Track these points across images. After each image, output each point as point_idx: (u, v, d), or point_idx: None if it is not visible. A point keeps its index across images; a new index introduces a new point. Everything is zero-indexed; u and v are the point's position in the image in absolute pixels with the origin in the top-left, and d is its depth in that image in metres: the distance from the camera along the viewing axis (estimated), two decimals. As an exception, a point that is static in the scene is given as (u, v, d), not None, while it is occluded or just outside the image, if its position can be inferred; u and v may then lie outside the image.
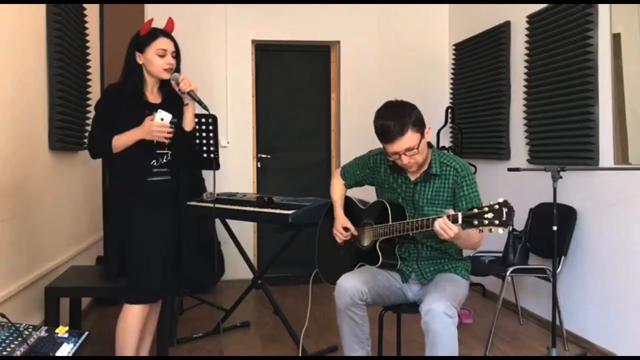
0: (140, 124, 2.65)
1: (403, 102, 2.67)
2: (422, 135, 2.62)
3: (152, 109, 2.69)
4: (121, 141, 2.64)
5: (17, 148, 3.07)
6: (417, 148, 2.59)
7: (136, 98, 2.70)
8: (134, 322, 2.72)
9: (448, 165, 2.71)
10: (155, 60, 2.69)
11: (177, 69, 2.77)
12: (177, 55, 2.75)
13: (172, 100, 2.78)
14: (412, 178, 2.75)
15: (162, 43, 2.71)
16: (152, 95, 2.76)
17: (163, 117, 2.63)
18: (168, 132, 2.65)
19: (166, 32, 2.74)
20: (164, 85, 2.78)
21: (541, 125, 4.17)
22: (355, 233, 2.87)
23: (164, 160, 2.74)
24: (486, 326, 3.98)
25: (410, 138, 2.58)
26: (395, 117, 2.58)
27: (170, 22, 2.77)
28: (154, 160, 2.71)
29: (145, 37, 2.70)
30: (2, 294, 2.84)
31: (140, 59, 2.70)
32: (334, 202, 3.00)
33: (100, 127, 2.68)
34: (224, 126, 5.32)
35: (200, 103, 2.79)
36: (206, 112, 2.85)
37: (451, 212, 2.42)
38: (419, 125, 2.61)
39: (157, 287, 2.75)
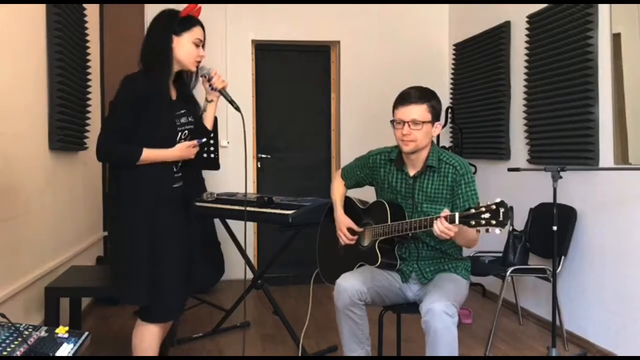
0: (168, 127, 2.44)
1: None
2: (431, 122, 2.67)
3: (174, 108, 2.48)
4: (151, 157, 2.38)
5: (17, 148, 3.07)
6: (422, 125, 2.63)
7: (165, 91, 2.43)
8: (153, 342, 2.50)
9: (447, 163, 2.72)
10: (190, 49, 2.45)
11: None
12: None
13: (189, 97, 2.59)
14: (412, 173, 2.76)
15: (199, 32, 2.48)
16: (171, 89, 2.51)
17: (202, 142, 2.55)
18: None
19: (200, 22, 2.50)
20: (182, 79, 2.55)
21: (541, 125, 4.17)
22: (360, 230, 2.86)
23: (180, 165, 2.56)
24: (486, 326, 3.97)
25: (421, 110, 2.65)
26: (420, 90, 2.70)
27: (199, 9, 2.52)
28: (174, 165, 2.52)
29: (184, 20, 2.45)
30: (2, 294, 2.84)
31: (173, 42, 2.42)
32: (334, 202, 3.00)
33: (120, 129, 2.36)
34: (223, 126, 5.31)
35: (232, 102, 2.60)
36: (240, 113, 2.65)
37: (447, 212, 2.42)
38: (435, 111, 2.69)
39: (178, 302, 2.53)
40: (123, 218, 2.45)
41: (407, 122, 2.64)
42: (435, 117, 2.69)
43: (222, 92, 2.60)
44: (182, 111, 2.52)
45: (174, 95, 2.52)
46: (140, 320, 2.52)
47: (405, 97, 2.68)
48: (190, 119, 2.55)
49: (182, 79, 2.56)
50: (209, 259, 5.15)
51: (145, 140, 2.40)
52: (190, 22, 2.47)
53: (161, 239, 2.43)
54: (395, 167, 2.80)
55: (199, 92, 2.67)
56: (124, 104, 2.39)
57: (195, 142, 2.51)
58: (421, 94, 2.67)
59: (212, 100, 2.62)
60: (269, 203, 3.55)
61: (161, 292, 2.43)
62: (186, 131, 2.54)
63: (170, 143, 2.46)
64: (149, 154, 2.38)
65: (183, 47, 2.45)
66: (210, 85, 2.58)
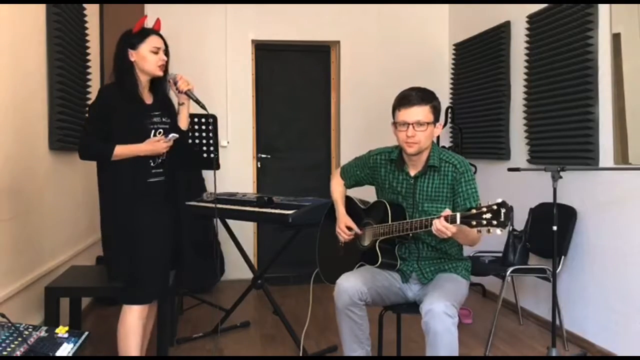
0: (139, 127, 2.67)
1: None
2: (434, 123, 2.67)
3: (149, 110, 2.71)
4: (124, 152, 2.63)
5: (17, 148, 3.07)
6: (426, 126, 2.63)
7: (134, 99, 2.69)
8: (134, 324, 2.72)
9: (447, 161, 2.72)
10: (149, 57, 2.69)
11: (166, 69, 2.77)
12: (166, 54, 2.76)
13: (164, 100, 2.81)
14: (412, 173, 2.76)
15: (155, 40, 2.71)
16: (145, 95, 2.76)
17: (174, 138, 2.72)
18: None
19: (156, 31, 2.75)
20: (155, 86, 2.78)
21: (541, 125, 4.17)
22: (360, 232, 2.86)
23: (159, 161, 2.76)
24: (486, 326, 3.97)
25: (424, 112, 2.63)
26: (421, 90, 2.69)
27: (158, 22, 2.80)
28: (152, 161, 2.73)
29: (138, 34, 2.70)
30: (2, 294, 2.84)
31: (132, 56, 2.69)
32: (334, 201, 3.00)
33: (97, 131, 2.64)
34: (223, 126, 5.32)
35: (198, 102, 2.80)
36: (205, 112, 2.88)
37: (448, 212, 2.42)
38: (436, 112, 2.68)
39: (155, 286, 2.76)
40: (104, 209, 2.74)
41: (412, 124, 2.62)
42: (437, 118, 2.69)
43: (188, 94, 2.82)
44: (157, 113, 2.76)
45: (149, 100, 2.77)
46: (123, 305, 2.74)
47: (408, 99, 2.65)
48: (164, 119, 2.79)
49: (157, 87, 2.79)
50: (208, 259, 5.15)
51: (120, 140, 2.65)
52: (144, 33, 2.72)
53: (139, 229, 2.67)
54: (395, 168, 2.80)
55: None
56: (97, 109, 2.70)
57: (162, 137, 2.71)
58: (423, 95, 2.66)
59: (183, 103, 2.85)
60: (269, 203, 3.55)
61: (139, 277, 2.68)
62: (160, 130, 2.75)
63: (142, 141, 2.69)
64: (121, 150, 2.63)
65: (142, 58, 2.70)
66: (177, 89, 2.80)
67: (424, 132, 2.63)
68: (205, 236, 5.12)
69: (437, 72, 5.69)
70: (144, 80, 2.73)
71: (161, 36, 2.75)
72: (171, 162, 2.81)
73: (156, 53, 2.70)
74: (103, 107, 2.67)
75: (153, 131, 2.73)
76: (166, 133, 2.74)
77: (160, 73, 2.72)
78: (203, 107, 2.81)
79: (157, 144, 2.68)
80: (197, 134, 3.75)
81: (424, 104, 2.63)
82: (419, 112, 2.62)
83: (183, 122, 2.84)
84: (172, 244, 2.82)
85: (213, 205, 3.72)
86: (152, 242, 2.70)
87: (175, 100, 2.88)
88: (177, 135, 2.73)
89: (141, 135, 2.69)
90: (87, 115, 2.76)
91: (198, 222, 4.75)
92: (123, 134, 2.65)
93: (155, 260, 2.71)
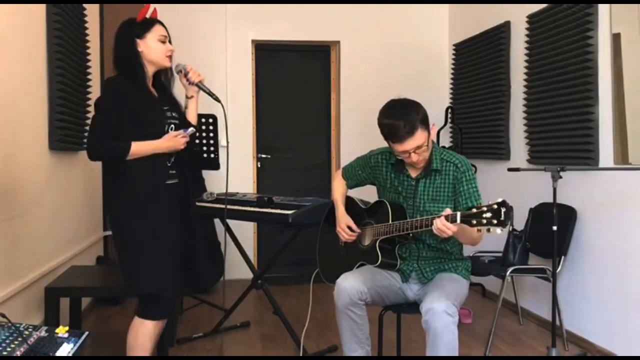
0: (156, 121, 2.52)
1: (408, 101, 2.65)
2: (429, 132, 2.64)
3: (159, 104, 2.57)
4: (141, 149, 2.44)
5: (17, 148, 3.07)
6: (426, 145, 2.61)
7: (145, 91, 2.53)
8: (147, 339, 2.54)
9: (448, 161, 2.72)
10: (157, 46, 2.54)
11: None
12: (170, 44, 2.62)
13: (171, 94, 2.67)
14: (414, 175, 2.75)
15: (161, 29, 2.57)
16: (151, 89, 2.60)
17: (192, 132, 2.58)
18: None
19: (159, 20, 2.61)
20: (159, 79, 2.64)
21: (541, 125, 4.17)
22: (358, 231, 2.86)
23: (173, 160, 2.59)
24: (486, 326, 3.97)
25: (419, 137, 2.58)
26: (404, 116, 2.57)
27: (155, 11, 2.64)
28: (167, 160, 2.57)
29: (143, 23, 2.55)
30: (2, 294, 2.84)
31: (139, 46, 2.53)
32: (335, 201, 3.00)
33: (107, 127, 2.44)
34: (223, 126, 5.31)
35: (211, 94, 2.67)
36: (220, 104, 2.70)
37: (449, 211, 2.42)
38: (426, 122, 2.62)
39: (172, 299, 2.62)
40: (117, 217, 2.55)
41: (413, 151, 2.60)
42: (428, 125, 2.63)
43: (200, 86, 2.69)
44: (167, 107, 2.60)
45: (155, 94, 2.60)
46: (136, 317, 2.58)
47: (398, 134, 2.56)
48: (174, 114, 2.63)
49: (161, 81, 2.65)
50: (210, 259, 5.16)
51: (134, 136, 2.46)
52: (149, 23, 2.57)
53: (154, 235, 2.48)
54: (396, 170, 2.80)
55: (181, 92, 2.76)
56: (108, 103, 2.50)
57: (181, 131, 2.55)
58: (410, 124, 2.55)
59: (192, 96, 2.71)
60: (269, 203, 3.54)
61: (159, 294, 2.52)
62: (172, 125, 2.60)
63: (159, 136, 2.52)
64: (138, 147, 2.45)
65: (150, 48, 2.55)
66: (187, 80, 2.67)
67: (425, 151, 2.63)
68: (210, 236, 5.12)
69: (437, 72, 5.69)
70: (150, 72, 2.57)
71: (164, 25, 2.61)
72: (181, 162, 2.63)
73: (163, 42, 2.55)
74: (114, 100, 2.47)
75: (166, 126, 2.57)
76: (180, 129, 2.58)
77: (168, 64, 2.58)
78: (217, 99, 2.66)
79: (176, 139, 2.51)
80: (197, 133, 3.74)
81: (414, 131, 2.56)
82: (414, 141, 2.57)
83: (193, 117, 2.69)
84: (183, 249, 2.64)
85: (213, 205, 3.73)
86: (170, 256, 2.52)
87: (178, 95, 2.73)
88: (195, 130, 2.57)
89: (157, 130, 2.51)
90: (95, 111, 2.54)
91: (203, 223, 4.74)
92: (137, 129, 2.46)
93: (172, 273, 2.54)
